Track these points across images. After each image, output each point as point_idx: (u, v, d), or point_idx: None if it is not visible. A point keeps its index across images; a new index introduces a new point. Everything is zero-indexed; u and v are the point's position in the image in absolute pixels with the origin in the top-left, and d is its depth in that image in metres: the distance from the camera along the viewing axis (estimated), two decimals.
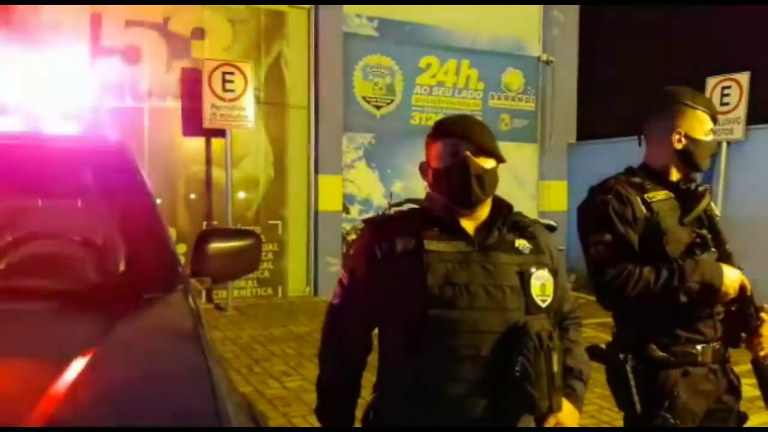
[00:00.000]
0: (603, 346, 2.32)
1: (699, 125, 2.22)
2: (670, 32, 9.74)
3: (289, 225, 8.71)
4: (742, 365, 2.31)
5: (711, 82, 7.66)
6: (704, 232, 2.19)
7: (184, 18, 7.99)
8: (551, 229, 1.99)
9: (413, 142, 7.96)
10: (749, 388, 2.34)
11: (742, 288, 2.15)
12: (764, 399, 2.20)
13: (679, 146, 2.23)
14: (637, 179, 2.27)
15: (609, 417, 4.25)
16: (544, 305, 1.81)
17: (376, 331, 1.95)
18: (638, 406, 2.16)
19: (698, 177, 2.45)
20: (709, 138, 2.24)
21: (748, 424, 2.34)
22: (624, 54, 10.13)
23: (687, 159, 2.25)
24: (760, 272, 2.46)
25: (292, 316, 7.51)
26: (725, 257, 2.18)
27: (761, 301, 2.27)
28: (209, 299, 8.03)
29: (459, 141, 1.80)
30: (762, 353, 2.17)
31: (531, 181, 10.24)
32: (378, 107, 9.19)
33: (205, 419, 1.41)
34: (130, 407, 1.43)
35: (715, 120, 2.25)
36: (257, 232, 7.58)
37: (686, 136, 2.22)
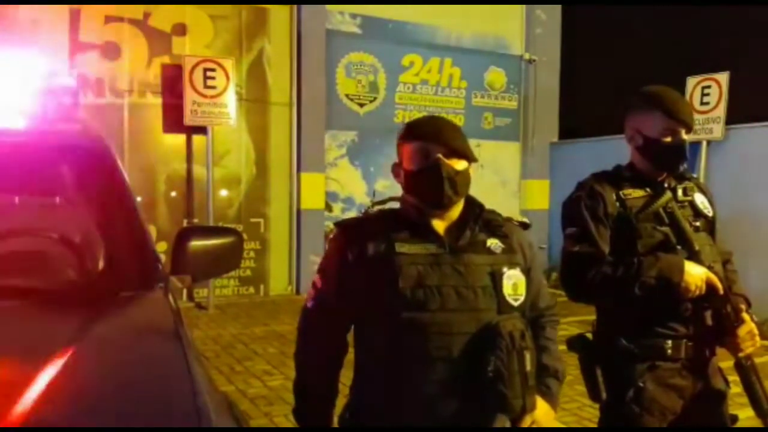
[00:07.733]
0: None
1: (653, 125, 2.24)
2: (652, 32, 9.83)
3: (271, 223, 8.66)
4: (727, 361, 2.32)
5: (691, 81, 7.71)
6: (666, 229, 2.20)
7: (164, 14, 7.91)
8: (525, 226, 2.00)
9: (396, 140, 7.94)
10: (731, 384, 2.35)
11: (712, 286, 2.16)
12: (750, 399, 2.20)
13: (636, 144, 2.30)
14: (617, 176, 2.31)
15: (591, 414, 4.27)
16: (516, 304, 1.82)
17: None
18: (603, 394, 2.22)
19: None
20: (667, 139, 2.23)
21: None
22: (606, 53, 10.20)
23: (646, 158, 2.29)
24: (740, 271, 2.47)
25: (274, 315, 7.47)
26: (692, 255, 2.18)
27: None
28: (190, 298, 7.97)
29: (430, 143, 1.80)
30: (741, 354, 2.18)
31: (513, 180, 10.27)
32: (361, 105, 9.17)
33: (185, 418, 1.39)
34: (108, 406, 1.40)
35: (680, 122, 2.22)
36: (239, 230, 7.53)
37: (641, 135, 2.27)
